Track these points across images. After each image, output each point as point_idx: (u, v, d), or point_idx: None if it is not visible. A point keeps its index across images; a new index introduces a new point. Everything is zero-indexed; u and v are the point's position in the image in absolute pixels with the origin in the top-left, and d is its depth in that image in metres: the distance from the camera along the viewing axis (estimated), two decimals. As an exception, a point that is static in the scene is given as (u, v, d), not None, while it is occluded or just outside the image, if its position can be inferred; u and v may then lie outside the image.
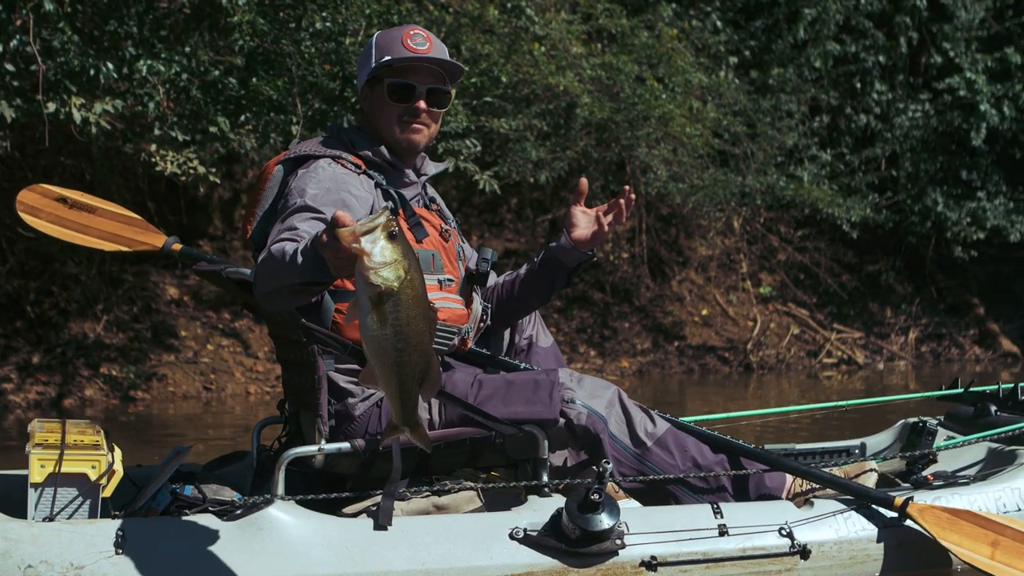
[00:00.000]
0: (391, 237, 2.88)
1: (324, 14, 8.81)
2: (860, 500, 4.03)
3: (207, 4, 8.84)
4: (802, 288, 15.41)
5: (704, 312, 14.77)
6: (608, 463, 3.74)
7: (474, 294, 4.18)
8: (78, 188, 5.17)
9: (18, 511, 3.74)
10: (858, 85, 15.14)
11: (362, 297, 2.91)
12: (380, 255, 2.86)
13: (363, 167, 3.98)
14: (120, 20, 8.33)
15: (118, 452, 3.84)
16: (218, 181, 9.70)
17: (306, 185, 3.80)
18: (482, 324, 4.24)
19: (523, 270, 4.34)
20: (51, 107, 7.83)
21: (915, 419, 5.10)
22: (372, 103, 4.07)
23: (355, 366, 3.89)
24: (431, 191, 4.28)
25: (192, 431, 9.33)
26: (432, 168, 4.21)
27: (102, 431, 4.10)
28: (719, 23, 14.30)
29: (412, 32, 4.02)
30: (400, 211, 3.95)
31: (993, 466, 4.48)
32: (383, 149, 4.03)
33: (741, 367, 14.05)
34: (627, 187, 4.13)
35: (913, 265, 15.96)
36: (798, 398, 11.82)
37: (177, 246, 4.22)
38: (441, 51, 4.05)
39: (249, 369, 11.71)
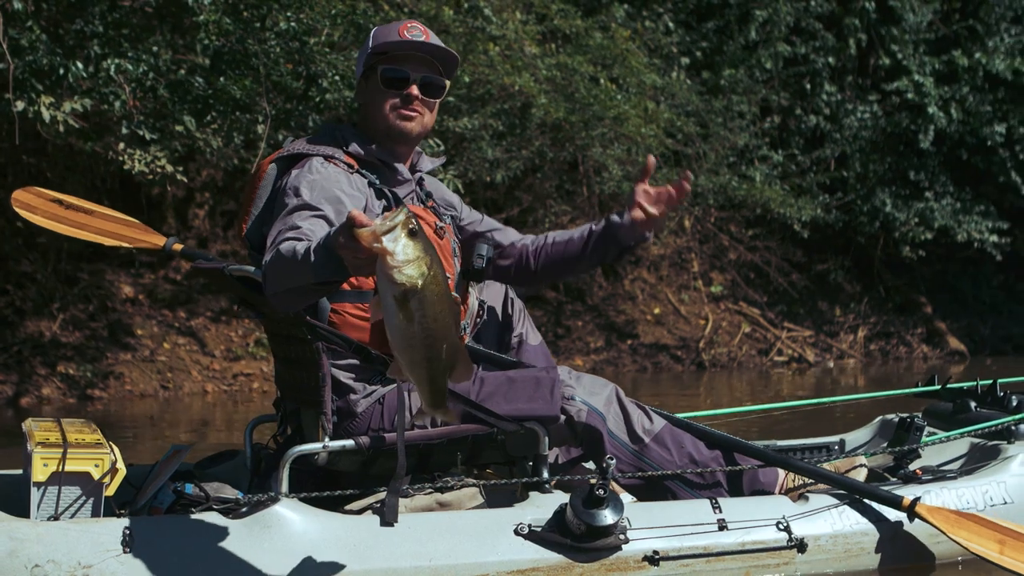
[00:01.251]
0: (412, 234, 2.89)
1: (288, 14, 8.81)
2: (866, 499, 4.11)
3: (171, 3, 8.82)
4: (753, 287, 15.55)
5: (656, 311, 14.88)
6: (612, 459, 3.80)
7: (470, 290, 4.22)
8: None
9: (13, 510, 3.73)
10: (808, 86, 15.29)
11: (386, 296, 2.91)
12: (403, 253, 2.87)
13: (356, 166, 4.00)
14: (85, 19, 8.29)
15: (117, 450, 3.84)
16: (185, 180, 9.68)
17: (300, 184, 3.82)
18: (478, 320, 4.28)
19: (577, 235, 4.28)
20: (20, 105, 7.78)
21: (893, 415, 5.20)
22: (367, 94, 4.08)
23: (355, 362, 3.92)
24: (428, 186, 4.31)
25: (151, 430, 9.29)
26: (428, 164, 4.24)
27: (98, 429, 4.10)
28: (671, 24, 14.40)
29: (409, 24, 4.05)
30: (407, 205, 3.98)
31: (976, 461, 4.58)
32: (374, 148, 4.05)
33: (694, 365, 14.17)
34: (687, 176, 4.09)
35: (861, 264, 16.14)
36: (750, 396, 11.93)
37: (178, 246, 4.23)
38: (437, 43, 4.08)
39: (206, 367, 11.67)
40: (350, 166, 3.98)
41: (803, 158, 15.16)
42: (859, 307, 15.75)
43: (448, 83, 4.13)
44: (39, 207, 4.27)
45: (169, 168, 8.94)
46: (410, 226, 2.89)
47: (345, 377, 3.93)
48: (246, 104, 8.97)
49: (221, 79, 8.77)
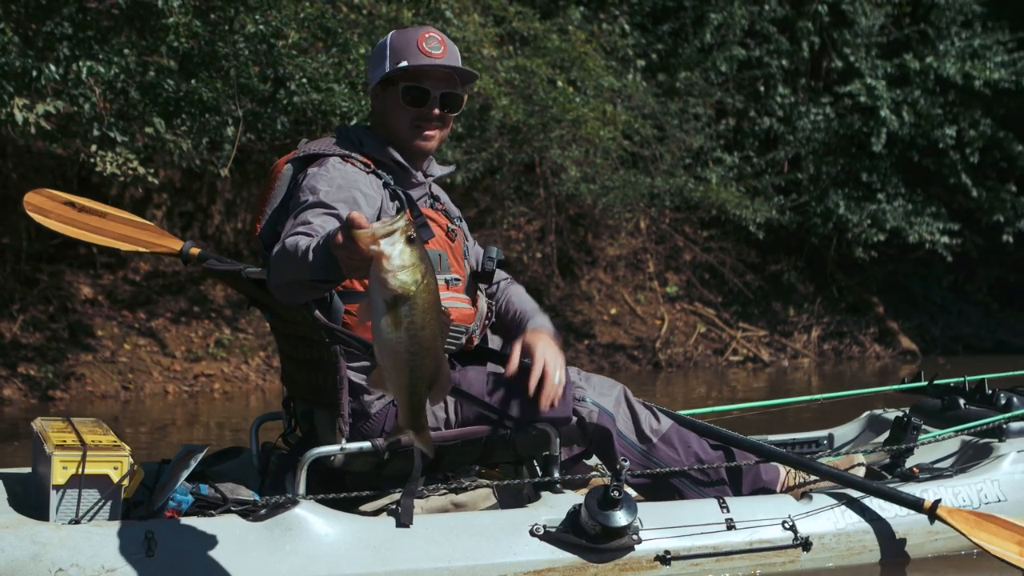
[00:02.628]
0: (410, 241, 2.89)
1: (256, 16, 8.81)
2: (887, 501, 4.21)
3: (139, 6, 8.79)
4: (708, 287, 15.67)
5: (613, 311, 14.97)
6: (625, 461, 3.87)
7: (479, 292, 4.27)
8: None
9: (22, 508, 3.75)
10: (762, 89, 15.42)
11: (377, 300, 2.90)
12: (399, 258, 2.86)
13: (372, 166, 4.03)
14: (55, 22, 8.25)
15: (129, 451, 3.86)
16: (156, 181, 9.65)
17: (317, 183, 3.84)
18: (487, 322, 4.32)
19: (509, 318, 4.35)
20: (-7, 108, 7.76)
21: (880, 410, 5.32)
22: (385, 104, 4.11)
23: (369, 364, 3.95)
24: (436, 190, 4.35)
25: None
26: (438, 170, 4.27)
27: (110, 430, 4.11)
28: (627, 27, 14.47)
29: (427, 35, 4.07)
30: (407, 211, 4.01)
31: (969, 459, 4.69)
32: (391, 150, 4.08)
33: (650, 365, 14.26)
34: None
35: (815, 265, 16.30)
36: (706, 396, 12.03)
37: (195, 250, 4.23)
38: (454, 55, 4.11)
39: (167, 368, 11.62)
40: (366, 165, 4.01)
41: (758, 160, 15.29)
42: (812, 307, 15.91)
43: (466, 96, 4.17)
44: (52, 210, 4.25)
45: (141, 170, 8.92)
46: (409, 233, 2.89)
47: (359, 378, 3.95)
48: (215, 106, 8.96)
49: (192, 81, 8.76)
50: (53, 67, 8.02)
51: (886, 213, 15.16)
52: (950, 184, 15.65)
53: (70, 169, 10.62)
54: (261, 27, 8.78)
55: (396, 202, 4.00)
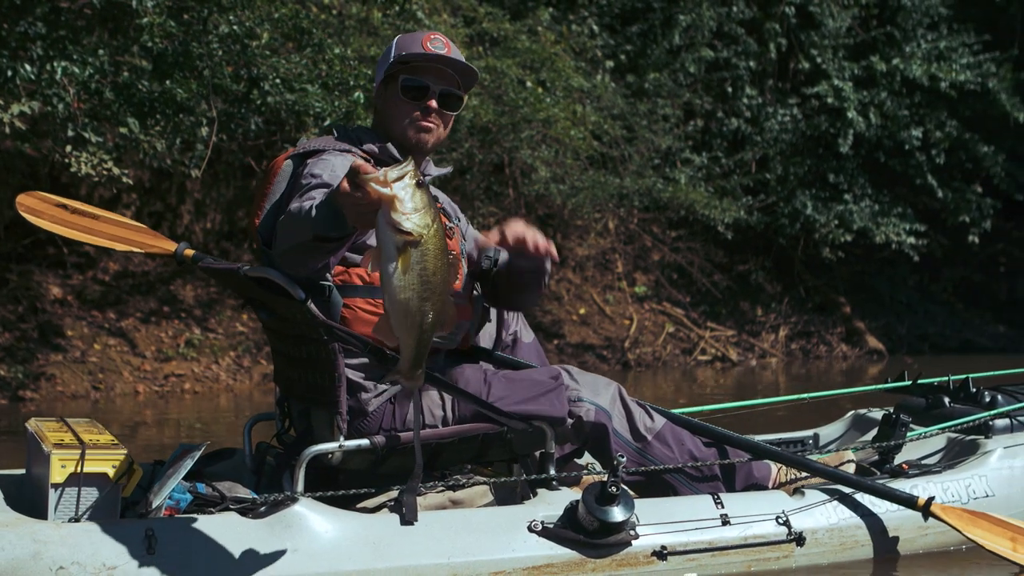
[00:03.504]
0: (420, 185, 2.90)
1: (230, 16, 8.80)
2: (881, 498, 4.26)
3: (113, 6, 8.76)
4: (676, 287, 15.73)
5: (582, 311, 15.01)
6: (623, 457, 3.89)
7: (475, 291, 4.30)
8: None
9: (17, 510, 3.72)
10: (730, 90, 15.49)
11: (388, 246, 2.89)
12: (412, 201, 2.87)
13: (371, 162, 4.04)
14: (28, 22, 8.22)
15: (127, 450, 3.85)
16: (131, 182, 9.62)
17: (319, 169, 3.90)
18: (485, 320, 4.36)
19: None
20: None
21: (864, 410, 5.38)
22: (385, 101, 4.15)
23: (366, 361, 3.97)
24: (433, 190, 4.38)
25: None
26: (435, 171, 4.30)
27: (105, 429, 4.11)
28: (596, 28, 14.52)
29: (432, 36, 4.12)
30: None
31: (955, 455, 4.76)
32: (390, 146, 4.11)
33: (619, 364, 14.30)
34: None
35: (782, 265, 16.39)
36: (675, 395, 12.08)
37: (189, 252, 4.23)
38: (458, 57, 4.15)
39: (137, 368, 11.58)
40: (366, 159, 4.04)
41: (726, 161, 15.36)
42: (780, 307, 16.00)
43: (466, 97, 4.21)
44: (44, 211, 4.24)
45: (116, 170, 8.89)
46: (418, 177, 2.91)
47: (356, 376, 3.97)
48: (189, 107, 8.94)
49: (167, 82, 8.73)
50: (28, 67, 7.99)
51: (853, 214, 15.25)
52: (916, 185, 15.79)
53: (41, 168, 10.56)
54: (235, 27, 8.77)
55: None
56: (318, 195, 3.67)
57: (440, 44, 4.10)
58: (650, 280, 15.74)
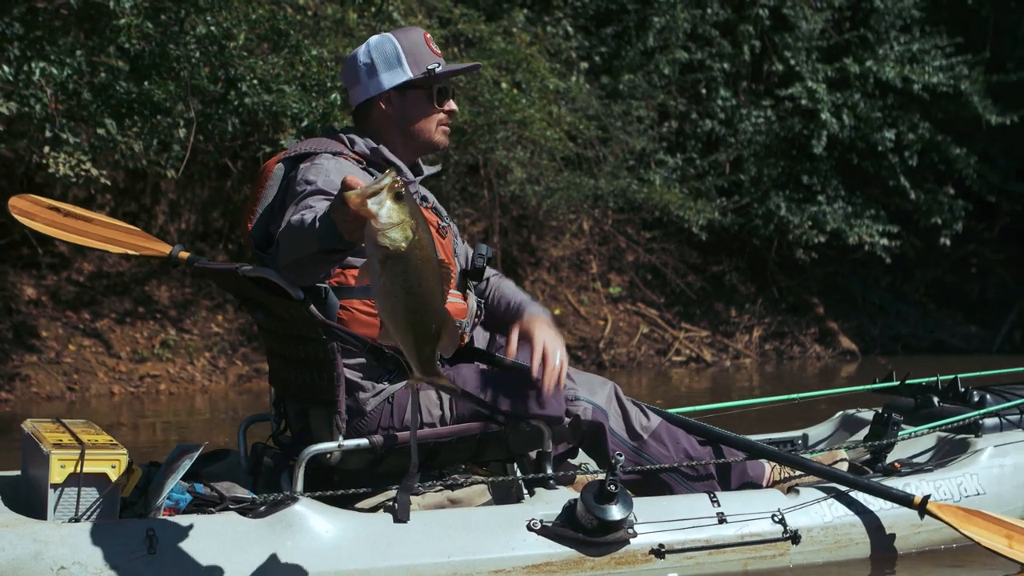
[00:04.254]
0: (397, 198, 2.90)
1: (208, 17, 8.79)
2: (878, 497, 4.30)
3: (90, 6, 8.73)
4: (650, 288, 15.76)
5: (557, 312, 15.02)
6: (621, 455, 3.91)
7: (469, 290, 4.31)
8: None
9: (15, 511, 3.72)
10: (704, 92, 15.53)
11: (372, 259, 2.93)
12: (387, 216, 2.88)
13: (364, 163, 4.08)
14: (5, 22, 8.18)
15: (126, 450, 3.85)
16: (108, 183, 9.59)
17: (312, 175, 3.89)
18: (477, 319, 4.36)
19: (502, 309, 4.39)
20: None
21: (853, 410, 5.42)
22: (406, 107, 4.15)
23: (364, 360, 3.98)
24: (422, 190, 4.39)
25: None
26: (425, 170, 4.32)
27: (103, 430, 4.10)
28: (570, 29, 14.54)
29: (427, 36, 4.19)
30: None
31: (946, 454, 4.81)
32: (383, 148, 4.12)
33: (594, 365, 14.31)
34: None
35: (755, 266, 16.42)
36: (650, 395, 12.11)
37: (184, 254, 4.23)
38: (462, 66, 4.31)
39: (112, 369, 11.56)
40: (358, 162, 4.06)
41: (700, 162, 15.39)
42: (754, 308, 16.05)
43: None
44: (37, 214, 4.23)
45: (94, 171, 8.86)
46: (396, 188, 2.91)
47: (353, 375, 3.98)
48: (166, 108, 8.92)
49: (146, 83, 8.71)
50: (6, 68, 7.95)
51: (826, 215, 15.30)
52: (889, 186, 15.85)
53: (16, 168, 10.51)
54: (212, 28, 8.75)
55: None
56: (315, 203, 3.68)
57: (434, 43, 4.17)
58: (624, 281, 15.77)
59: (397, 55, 4.12)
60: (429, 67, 4.11)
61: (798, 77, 15.36)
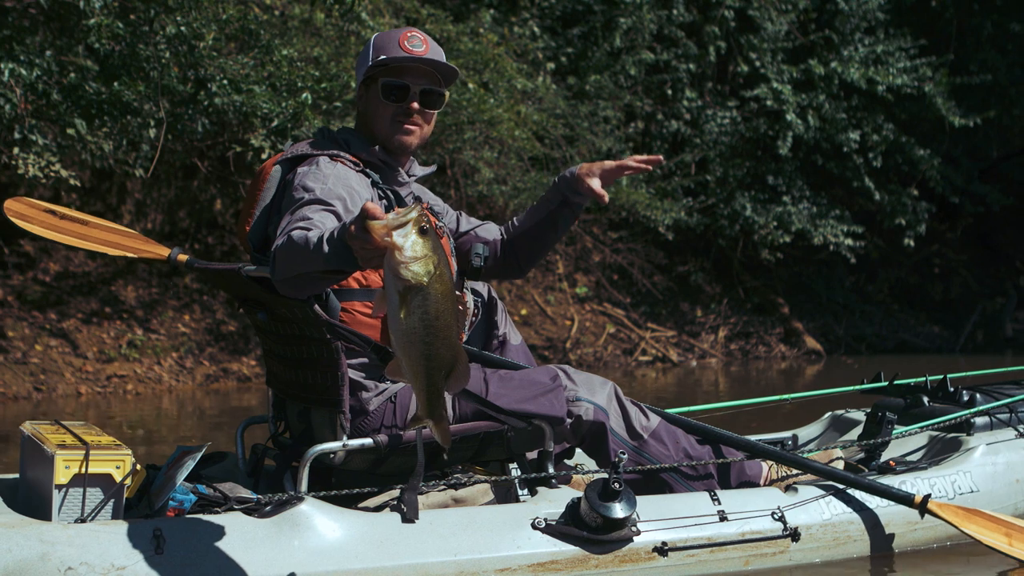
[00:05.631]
0: (422, 232, 2.92)
1: (177, 17, 8.75)
2: (880, 497, 4.34)
3: (60, 6, 8.67)
4: (617, 288, 15.79)
5: (524, 312, 15.03)
6: (624, 454, 3.93)
7: (465, 289, 4.31)
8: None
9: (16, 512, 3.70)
10: (670, 92, 15.57)
11: (391, 291, 2.94)
12: (411, 250, 2.90)
13: (360, 165, 4.06)
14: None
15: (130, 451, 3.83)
16: (79, 184, 9.53)
17: (310, 181, 3.85)
18: (472, 319, 4.37)
19: (542, 217, 4.48)
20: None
21: (841, 411, 5.46)
22: (367, 103, 4.14)
23: (366, 361, 3.97)
24: (418, 190, 4.39)
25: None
26: (419, 171, 4.31)
27: (102, 432, 4.08)
28: (537, 30, 14.54)
29: (410, 34, 4.10)
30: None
31: (938, 452, 4.86)
32: (377, 149, 4.11)
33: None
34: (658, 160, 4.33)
35: (721, 266, 16.49)
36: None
37: (183, 257, 4.21)
38: (437, 54, 4.14)
39: (79, 369, 11.48)
40: (355, 164, 4.04)
41: (666, 162, 15.43)
42: (719, 308, 16.10)
43: (447, 93, 4.21)
44: (33, 217, 4.21)
45: (64, 172, 8.80)
46: (422, 224, 2.93)
47: (356, 375, 3.98)
48: (136, 108, 8.87)
49: (115, 84, 8.66)
50: None
51: (791, 215, 15.36)
52: (853, 187, 15.95)
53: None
54: (182, 28, 8.71)
55: (384, 201, 4.02)
56: (313, 214, 3.64)
57: (418, 42, 4.09)
58: (591, 281, 15.80)
59: (368, 52, 4.11)
60: (381, 58, 4.06)
61: (763, 78, 15.42)
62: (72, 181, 9.02)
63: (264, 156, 10.07)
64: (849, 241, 15.46)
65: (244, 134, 10.15)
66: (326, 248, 3.24)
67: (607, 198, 4.33)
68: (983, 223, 17.98)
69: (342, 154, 4.05)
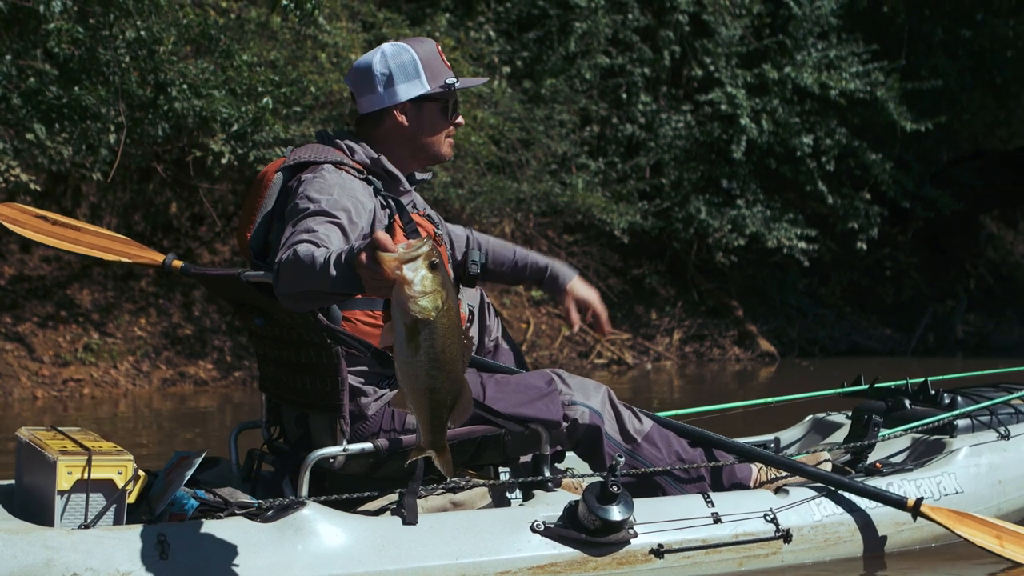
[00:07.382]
0: (432, 267, 2.94)
1: (137, 22, 8.72)
2: (872, 500, 4.41)
3: (18, 10, 8.62)
4: (572, 291, 15.79)
5: (479, 315, 15.03)
6: (621, 457, 3.97)
7: (461, 296, 4.33)
8: None
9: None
10: (625, 96, 15.62)
11: (398, 323, 2.96)
12: (421, 284, 2.92)
13: (364, 173, 4.06)
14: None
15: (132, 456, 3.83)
16: (39, 189, 9.47)
17: (314, 191, 3.84)
18: (468, 325, 4.39)
19: (518, 262, 4.58)
20: None
21: (823, 414, 5.53)
22: (421, 120, 4.16)
23: (365, 367, 3.99)
24: (415, 197, 4.40)
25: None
26: (420, 176, 4.34)
27: (99, 437, 4.07)
28: (493, 34, 14.57)
29: (439, 49, 4.20)
30: (397, 218, 4.05)
31: (921, 455, 4.94)
32: (383, 159, 4.12)
33: (517, 368, 14.32)
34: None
35: (675, 269, 16.56)
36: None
37: (177, 263, 4.21)
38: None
39: (35, 373, 11.40)
40: (359, 172, 4.04)
41: (622, 166, 15.49)
42: (674, 311, 16.17)
43: None
44: (25, 222, 4.21)
45: (24, 177, 8.76)
46: (432, 258, 2.95)
47: (355, 381, 3.99)
48: (96, 113, 8.83)
49: (76, 88, 8.62)
50: None
51: (745, 219, 15.45)
52: (807, 191, 16.05)
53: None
54: (142, 32, 8.68)
55: (387, 210, 4.03)
56: (318, 227, 3.64)
57: (445, 58, 4.19)
58: (546, 284, 15.81)
59: (415, 66, 4.10)
60: (448, 81, 4.12)
61: (718, 83, 15.50)
62: (32, 186, 8.97)
63: (224, 161, 10.06)
64: (802, 244, 15.57)
65: (203, 138, 10.13)
66: (333, 272, 3.24)
67: (577, 328, 4.54)
68: (934, 227, 18.19)
69: (346, 162, 4.04)
